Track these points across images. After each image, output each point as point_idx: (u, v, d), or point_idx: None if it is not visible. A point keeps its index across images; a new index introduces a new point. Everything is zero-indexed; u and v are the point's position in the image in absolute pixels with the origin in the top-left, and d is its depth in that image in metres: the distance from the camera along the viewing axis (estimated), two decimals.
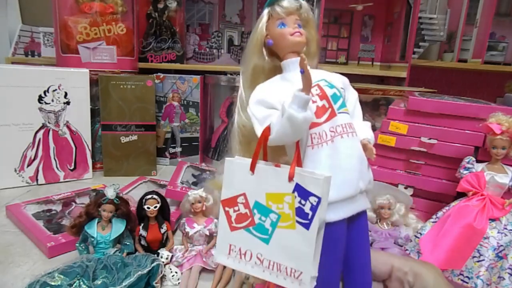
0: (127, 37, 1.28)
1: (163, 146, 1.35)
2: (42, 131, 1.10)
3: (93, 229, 0.67)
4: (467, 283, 0.63)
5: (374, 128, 0.96)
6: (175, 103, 1.33)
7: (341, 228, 0.38)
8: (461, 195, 0.72)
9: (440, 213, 0.71)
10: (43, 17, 1.70)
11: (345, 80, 0.47)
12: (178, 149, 1.36)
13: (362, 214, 0.41)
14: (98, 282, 0.59)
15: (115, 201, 0.68)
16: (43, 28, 1.69)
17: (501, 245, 0.64)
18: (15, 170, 1.08)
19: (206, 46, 1.53)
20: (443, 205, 0.73)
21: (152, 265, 0.63)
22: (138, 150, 1.22)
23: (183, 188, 0.96)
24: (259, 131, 0.39)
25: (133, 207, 0.76)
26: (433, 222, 0.71)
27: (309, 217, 0.32)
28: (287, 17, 0.44)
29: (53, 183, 1.13)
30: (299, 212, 0.33)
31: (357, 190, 0.39)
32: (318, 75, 0.44)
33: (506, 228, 0.65)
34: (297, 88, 0.36)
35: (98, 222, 0.68)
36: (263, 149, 0.38)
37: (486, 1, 1.38)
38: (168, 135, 1.35)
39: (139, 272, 0.60)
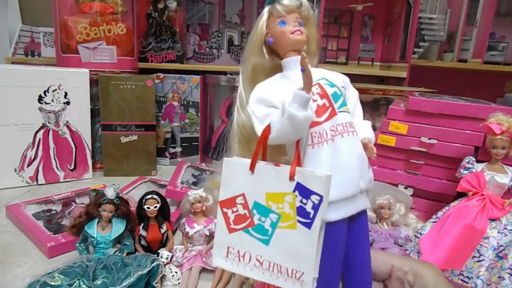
0: (127, 37, 1.28)
1: (163, 146, 1.35)
2: (42, 131, 1.10)
3: (93, 229, 0.67)
4: (467, 283, 0.63)
5: (374, 128, 0.97)
6: (175, 103, 1.33)
7: (342, 227, 0.38)
8: (461, 195, 0.72)
9: (440, 213, 0.71)
10: (43, 17, 1.70)
11: (346, 79, 0.47)
12: (178, 149, 1.36)
13: (362, 214, 0.41)
14: (98, 282, 0.59)
15: (115, 201, 0.68)
16: (43, 28, 1.69)
17: (501, 245, 0.64)
18: (15, 170, 1.08)
19: (206, 46, 1.53)
20: (443, 205, 0.73)
21: (152, 265, 0.63)
22: (138, 150, 1.22)
23: (183, 188, 0.96)
24: (259, 130, 0.38)
25: (133, 207, 0.76)
26: (433, 222, 0.71)
27: (311, 216, 0.32)
28: (288, 15, 0.44)
29: (53, 183, 1.13)
30: (300, 211, 0.32)
31: (357, 189, 0.39)
32: (318, 73, 0.43)
33: (506, 228, 0.65)
34: (297, 86, 0.36)
35: (98, 222, 0.68)
36: (262, 149, 0.38)
37: (486, 1, 1.38)
38: (168, 135, 1.35)
39: (139, 272, 0.60)
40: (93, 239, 0.67)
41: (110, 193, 0.68)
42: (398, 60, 1.33)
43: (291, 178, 0.33)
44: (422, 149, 0.85)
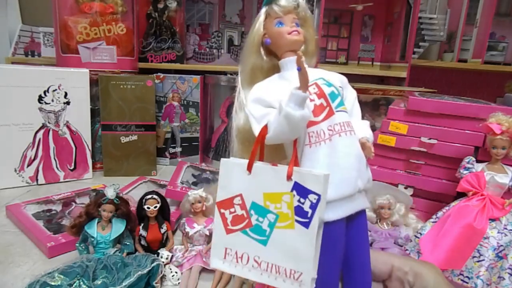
0: (127, 37, 1.28)
1: (163, 146, 1.35)
2: (42, 131, 1.10)
3: (93, 229, 0.67)
4: (467, 283, 0.63)
5: (374, 128, 0.97)
6: (175, 103, 1.33)
7: (340, 227, 0.38)
8: (461, 195, 0.72)
9: (440, 213, 0.71)
10: (43, 17, 1.70)
11: (344, 79, 0.47)
12: (178, 149, 1.36)
13: (361, 214, 0.41)
14: (98, 282, 0.59)
15: (115, 201, 0.68)
16: (43, 28, 1.69)
17: (501, 245, 0.64)
18: (15, 170, 1.08)
19: (206, 46, 1.53)
20: (443, 205, 0.73)
21: (152, 265, 0.63)
22: (138, 150, 1.22)
23: (183, 188, 0.96)
24: (256, 130, 0.38)
25: (133, 207, 0.76)
26: (433, 222, 0.71)
27: (309, 215, 0.32)
28: (285, 16, 0.44)
29: (53, 183, 1.13)
30: (298, 211, 0.32)
31: (355, 189, 0.39)
32: (316, 73, 0.44)
33: (506, 228, 0.65)
34: (294, 86, 0.36)
35: (98, 222, 0.68)
36: (260, 149, 0.38)
37: (486, 1, 1.38)
38: (168, 135, 1.35)
39: (139, 272, 0.60)
40: (93, 239, 0.67)
41: (110, 193, 0.68)
42: (398, 60, 1.33)
43: (289, 177, 0.33)
44: (422, 149, 0.85)
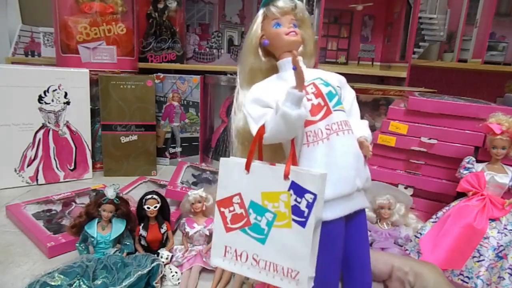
0: (127, 37, 1.28)
1: (163, 146, 1.35)
2: (42, 131, 1.10)
3: (93, 229, 0.67)
4: (467, 283, 0.63)
5: (374, 128, 0.97)
6: (175, 103, 1.33)
7: (339, 226, 0.38)
8: (461, 195, 0.72)
9: (440, 213, 0.71)
10: (43, 17, 1.70)
11: (342, 79, 0.47)
12: (178, 149, 1.36)
13: (360, 213, 0.41)
14: (98, 282, 0.59)
15: (115, 201, 0.68)
16: (43, 28, 1.69)
17: (501, 245, 0.64)
18: (15, 170, 1.08)
19: (206, 46, 1.53)
20: (443, 205, 0.73)
21: (152, 265, 0.63)
22: (138, 150, 1.22)
23: (183, 188, 0.96)
24: (254, 130, 0.39)
25: (133, 207, 0.76)
26: (433, 222, 0.71)
27: (305, 214, 0.32)
28: (282, 17, 0.44)
29: (53, 183, 1.13)
30: (295, 210, 0.33)
31: (354, 187, 0.39)
32: (314, 73, 0.44)
33: (506, 228, 0.65)
34: (290, 85, 0.36)
35: (98, 222, 0.68)
36: (258, 149, 0.38)
37: (486, 1, 1.38)
38: (168, 135, 1.35)
39: (139, 272, 0.60)
40: (93, 239, 0.67)
41: (110, 193, 0.68)
42: (398, 60, 1.33)
43: (286, 177, 0.33)
44: (422, 149, 0.85)
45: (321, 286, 0.36)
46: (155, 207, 0.71)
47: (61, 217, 0.89)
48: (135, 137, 1.21)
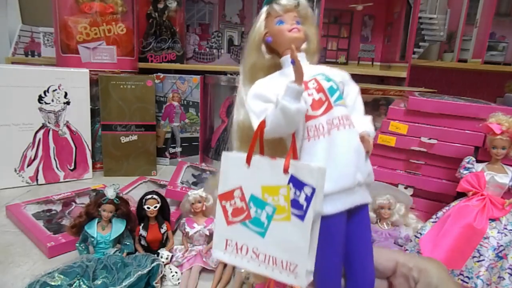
0: (127, 37, 1.28)
1: (163, 146, 1.35)
2: (42, 131, 1.10)
3: (93, 229, 0.67)
4: (467, 283, 0.63)
5: (374, 128, 0.97)
6: (175, 103, 1.33)
7: (340, 221, 0.38)
8: (461, 195, 0.72)
9: (440, 213, 0.71)
10: (43, 17, 1.70)
11: (345, 75, 0.47)
12: (178, 149, 1.36)
13: (362, 208, 0.40)
14: (98, 282, 0.59)
15: (115, 201, 0.68)
16: (43, 28, 1.69)
17: (501, 245, 0.64)
18: (15, 170, 1.08)
19: (206, 46, 1.53)
20: (443, 205, 0.73)
21: (152, 265, 0.63)
22: (138, 150, 1.22)
23: (183, 188, 0.96)
24: (255, 124, 0.39)
25: (133, 207, 0.76)
26: (433, 222, 0.71)
27: (304, 208, 0.32)
28: (285, 15, 0.44)
29: (53, 183, 1.13)
30: (294, 203, 0.33)
31: (354, 182, 0.39)
32: (316, 69, 0.44)
33: (506, 228, 0.65)
34: (290, 80, 0.36)
35: (98, 222, 0.68)
36: (259, 144, 0.38)
37: (486, 1, 1.38)
38: (168, 135, 1.35)
39: (139, 272, 0.60)
40: (93, 239, 0.67)
41: (110, 193, 0.68)
42: (398, 60, 1.33)
43: (285, 171, 0.34)
44: (422, 149, 0.85)
45: (323, 281, 0.36)
46: (155, 207, 0.71)
47: (61, 217, 0.89)
48: (135, 137, 1.21)
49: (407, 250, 0.70)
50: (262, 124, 0.38)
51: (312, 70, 0.42)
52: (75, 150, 1.16)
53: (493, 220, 0.66)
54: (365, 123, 0.44)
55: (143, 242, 0.72)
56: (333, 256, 0.37)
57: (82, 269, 0.60)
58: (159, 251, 0.71)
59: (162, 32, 1.37)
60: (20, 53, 1.77)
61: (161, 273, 0.64)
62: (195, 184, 1.10)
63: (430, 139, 0.84)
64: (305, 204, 0.32)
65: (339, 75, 0.46)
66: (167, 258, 0.69)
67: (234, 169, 0.37)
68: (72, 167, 1.16)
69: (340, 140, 0.39)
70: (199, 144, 1.36)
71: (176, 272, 0.67)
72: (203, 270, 0.70)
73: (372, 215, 0.79)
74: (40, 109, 1.09)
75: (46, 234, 0.77)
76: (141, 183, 1.10)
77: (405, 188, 0.88)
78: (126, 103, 1.19)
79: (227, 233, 0.37)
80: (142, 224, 0.72)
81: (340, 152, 0.38)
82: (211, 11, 1.51)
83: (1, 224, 0.86)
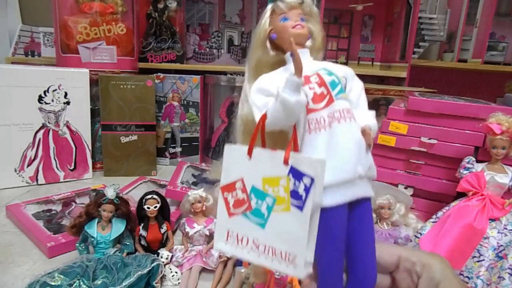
0: (127, 37, 1.28)
1: (163, 146, 1.35)
2: (42, 131, 1.10)
3: (93, 229, 0.67)
4: (467, 283, 0.63)
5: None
6: (175, 103, 1.33)
7: (340, 214, 0.38)
8: (461, 195, 0.72)
9: (440, 213, 0.71)
10: (43, 17, 1.70)
11: (349, 70, 0.47)
12: (178, 149, 1.36)
13: (364, 202, 0.40)
14: (98, 282, 0.59)
15: (115, 201, 0.68)
16: (43, 28, 1.69)
17: (501, 245, 0.64)
18: (15, 170, 1.08)
19: (206, 46, 1.53)
20: (443, 205, 0.73)
21: (152, 265, 0.63)
22: (138, 150, 1.22)
23: (183, 188, 0.96)
24: (257, 118, 0.40)
25: (133, 207, 0.76)
26: (433, 222, 0.71)
27: (303, 198, 0.32)
28: (289, 12, 0.45)
29: (53, 183, 1.13)
30: (294, 194, 0.33)
31: (355, 174, 0.39)
32: (319, 64, 0.45)
33: (506, 228, 0.65)
34: (290, 73, 0.37)
35: (98, 222, 0.68)
36: (261, 137, 0.39)
37: (486, 1, 1.38)
38: (168, 135, 1.35)
39: (139, 272, 0.60)
40: (93, 239, 0.67)
41: (110, 193, 0.68)
42: (398, 60, 1.33)
43: (285, 162, 0.34)
44: (422, 149, 0.85)
45: (323, 275, 0.36)
46: (155, 207, 0.71)
47: (61, 217, 0.89)
48: (135, 137, 1.21)
49: None
50: (264, 117, 0.38)
51: (315, 65, 0.43)
52: (75, 150, 1.16)
53: (493, 220, 0.66)
54: (367, 117, 0.44)
55: (143, 242, 0.72)
56: (333, 249, 0.37)
57: (82, 269, 0.60)
58: (159, 251, 0.71)
59: (162, 32, 1.37)
60: (20, 53, 1.77)
61: (161, 273, 0.64)
62: (195, 184, 1.10)
63: (430, 139, 0.84)
64: (304, 195, 0.32)
65: (342, 70, 0.46)
66: (167, 258, 0.69)
67: (236, 161, 0.38)
68: (72, 167, 1.16)
69: (340, 133, 0.39)
70: (199, 144, 1.36)
71: (176, 272, 0.67)
72: (203, 270, 0.70)
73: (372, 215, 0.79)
74: (40, 109, 1.09)
75: (46, 234, 0.77)
76: (141, 183, 1.10)
77: (405, 188, 0.88)
78: (126, 103, 1.19)
79: (228, 224, 0.37)
80: (142, 224, 0.72)
81: (341, 144, 0.39)
82: (211, 11, 1.51)
83: (1, 224, 0.86)
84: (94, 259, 0.63)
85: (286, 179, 0.34)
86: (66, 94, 1.11)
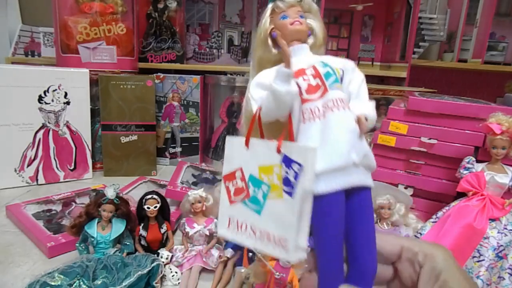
0: (127, 37, 1.28)
1: (163, 146, 1.35)
2: (42, 131, 1.10)
3: (93, 229, 0.67)
4: None
5: (374, 128, 0.97)
6: (175, 103, 1.33)
7: (334, 200, 0.38)
8: (461, 195, 0.73)
9: (440, 213, 0.71)
10: (43, 17, 1.70)
11: (349, 63, 0.48)
12: (178, 149, 1.36)
13: (362, 192, 0.41)
14: (98, 282, 0.59)
15: (115, 201, 0.68)
16: (43, 28, 1.69)
17: (501, 245, 0.64)
18: (15, 170, 1.08)
19: (206, 46, 1.53)
20: (443, 205, 0.73)
21: (152, 265, 0.63)
22: (138, 150, 1.22)
23: (183, 188, 0.97)
24: (254, 110, 0.41)
25: (133, 207, 0.76)
26: (433, 222, 0.71)
27: (293, 185, 0.34)
28: (288, 10, 0.46)
29: (53, 183, 1.13)
30: (285, 181, 0.35)
31: (348, 161, 0.39)
32: (317, 58, 0.45)
33: (506, 228, 0.65)
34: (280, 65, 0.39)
35: (98, 222, 0.68)
36: (259, 128, 0.40)
37: (486, 1, 1.39)
38: (168, 135, 1.35)
39: (139, 272, 0.60)
40: (93, 239, 0.67)
41: (110, 193, 0.68)
42: (398, 60, 1.33)
43: (278, 150, 0.35)
44: (422, 149, 0.85)
45: (323, 264, 0.37)
46: (155, 207, 0.71)
47: (61, 217, 0.89)
48: (135, 137, 1.21)
49: None
50: (259, 109, 0.40)
51: (313, 59, 0.44)
52: (75, 150, 1.16)
53: (493, 220, 0.66)
54: (366, 107, 0.44)
55: (143, 242, 0.72)
56: (330, 237, 0.38)
57: (82, 269, 0.60)
58: (159, 251, 0.71)
59: (162, 32, 1.37)
60: (20, 53, 1.77)
61: (161, 273, 0.64)
62: (195, 184, 1.10)
63: (430, 139, 0.84)
64: (294, 181, 0.34)
65: (340, 63, 0.47)
66: (167, 258, 0.69)
67: (236, 151, 0.40)
68: (72, 167, 1.16)
69: (334, 121, 0.40)
70: (199, 144, 1.36)
71: (176, 272, 0.67)
72: (203, 270, 0.70)
73: None
74: (40, 109, 1.09)
75: (46, 234, 0.77)
76: (141, 183, 1.10)
77: (405, 188, 0.88)
78: (126, 103, 1.19)
79: (229, 211, 0.39)
80: (142, 224, 0.72)
81: (334, 132, 0.40)
82: (211, 11, 1.51)
83: (1, 224, 0.86)
84: (94, 259, 0.63)
85: (279, 167, 0.35)
86: (66, 94, 1.11)
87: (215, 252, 0.71)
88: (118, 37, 1.26)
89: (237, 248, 0.72)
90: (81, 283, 0.58)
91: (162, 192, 0.82)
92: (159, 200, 0.72)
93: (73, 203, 0.96)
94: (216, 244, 0.74)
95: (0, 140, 1.04)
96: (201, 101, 1.33)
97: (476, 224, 0.65)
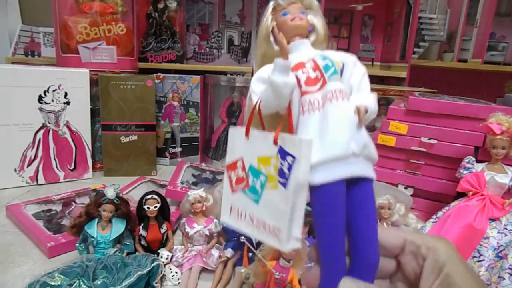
0: (127, 37, 1.28)
1: (163, 146, 1.35)
2: (42, 131, 1.10)
3: (93, 229, 0.67)
4: None
5: (374, 128, 0.97)
6: (175, 103, 1.33)
7: (336, 192, 0.38)
8: (461, 195, 0.73)
9: (440, 213, 0.71)
10: (43, 17, 1.70)
11: (349, 56, 0.48)
12: (178, 149, 1.36)
13: (363, 183, 0.41)
14: (98, 282, 0.59)
15: (115, 201, 0.68)
16: (43, 28, 1.69)
17: (501, 245, 0.64)
18: (15, 170, 1.08)
19: (206, 46, 1.53)
20: (443, 205, 0.73)
21: (152, 265, 0.63)
22: (138, 150, 1.22)
23: (183, 188, 0.97)
24: (254, 102, 0.42)
25: (133, 207, 0.76)
26: (433, 222, 0.71)
27: (287, 176, 0.35)
28: (289, 6, 0.47)
29: (53, 183, 1.13)
30: (280, 172, 0.36)
31: (347, 151, 0.39)
32: (317, 52, 0.46)
33: (506, 228, 0.65)
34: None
35: (98, 222, 0.68)
36: (260, 121, 0.41)
37: (486, 1, 1.39)
38: (168, 135, 1.35)
39: (139, 272, 0.60)
40: (93, 239, 0.67)
41: (110, 193, 0.68)
42: (398, 60, 1.33)
43: (275, 142, 0.36)
44: (422, 149, 0.85)
45: (324, 256, 0.37)
46: (155, 207, 0.71)
47: (61, 217, 0.89)
48: (135, 137, 1.21)
49: None
50: (259, 102, 0.41)
51: (313, 53, 0.45)
52: (75, 150, 1.16)
53: (493, 220, 0.66)
54: (366, 98, 0.44)
55: (143, 242, 0.72)
56: (331, 228, 0.38)
57: (82, 269, 0.60)
58: (159, 251, 0.71)
59: (162, 32, 1.37)
60: (20, 53, 1.77)
61: (161, 273, 0.64)
62: (195, 184, 1.10)
63: (430, 139, 0.84)
64: (287, 172, 0.35)
65: (341, 56, 0.47)
66: (167, 258, 0.69)
67: (237, 142, 0.41)
68: (72, 167, 1.16)
69: (332, 112, 0.40)
70: (199, 144, 1.36)
71: (176, 272, 0.67)
72: (203, 270, 0.70)
73: None
74: (40, 109, 1.09)
75: (46, 234, 0.77)
76: (141, 183, 1.10)
77: (405, 188, 0.88)
78: (126, 103, 1.19)
79: (231, 200, 0.41)
80: (142, 224, 0.72)
81: (332, 122, 0.40)
82: (211, 11, 1.51)
83: (1, 224, 0.86)
84: (94, 259, 0.63)
85: (276, 158, 0.36)
86: (66, 94, 1.11)
87: (215, 252, 0.71)
88: (118, 37, 1.26)
89: (237, 248, 0.72)
90: (81, 283, 0.58)
91: (162, 192, 0.82)
92: (159, 200, 0.72)
93: (73, 203, 0.96)
94: (216, 244, 0.74)
95: (0, 140, 1.04)
96: (201, 101, 1.33)
97: (476, 224, 0.65)
